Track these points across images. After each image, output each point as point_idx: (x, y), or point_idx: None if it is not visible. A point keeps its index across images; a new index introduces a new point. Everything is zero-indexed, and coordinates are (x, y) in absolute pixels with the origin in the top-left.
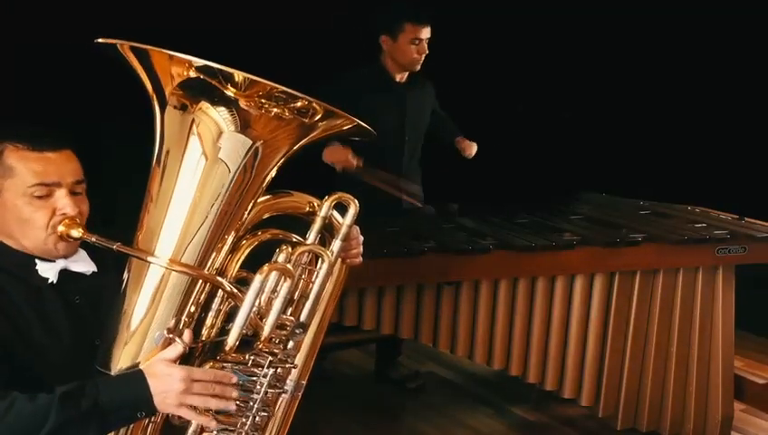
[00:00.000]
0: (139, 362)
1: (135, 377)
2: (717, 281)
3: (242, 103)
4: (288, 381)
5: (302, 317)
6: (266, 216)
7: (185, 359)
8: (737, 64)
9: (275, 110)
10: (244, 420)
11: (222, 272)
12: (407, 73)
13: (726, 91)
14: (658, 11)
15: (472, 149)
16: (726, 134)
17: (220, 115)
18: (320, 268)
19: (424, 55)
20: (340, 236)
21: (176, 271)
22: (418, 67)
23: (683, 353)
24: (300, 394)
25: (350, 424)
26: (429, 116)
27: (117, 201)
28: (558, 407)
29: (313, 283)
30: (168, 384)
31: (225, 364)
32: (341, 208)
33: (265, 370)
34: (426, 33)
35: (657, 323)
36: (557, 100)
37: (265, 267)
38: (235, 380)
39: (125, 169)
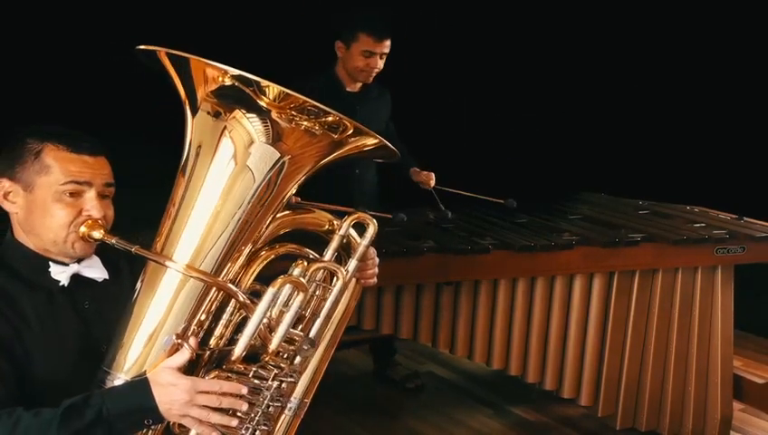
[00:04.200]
0: (145, 367)
1: (140, 386)
2: (716, 281)
3: (274, 115)
4: (292, 399)
5: (312, 333)
6: (283, 231)
7: (191, 366)
8: (737, 64)
9: (306, 123)
10: (243, 432)
11: (236, 283)
12: (360, 84)
13: (725, 91)
14: (658, 10)
15: (431, 180)
16: (725, 134)
17: (252, 125)
18: (334, 286)
19: (375, 70)
20: (357, 255)
21: (192, 277)
22: (369, 80)
23: (682, 353)
24: (303, 413)
25: (349, 424)
26: (385, 126)
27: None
28: (557, 407)
29: (326, 300)
30: (172, 394)
31: (230, 374)
32: (360, 228)
33: (269, 383)
34: (380, 47)
35: (656, 322)
36: (557, 100)
37: (279, 279)
38: (244, 391)
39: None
